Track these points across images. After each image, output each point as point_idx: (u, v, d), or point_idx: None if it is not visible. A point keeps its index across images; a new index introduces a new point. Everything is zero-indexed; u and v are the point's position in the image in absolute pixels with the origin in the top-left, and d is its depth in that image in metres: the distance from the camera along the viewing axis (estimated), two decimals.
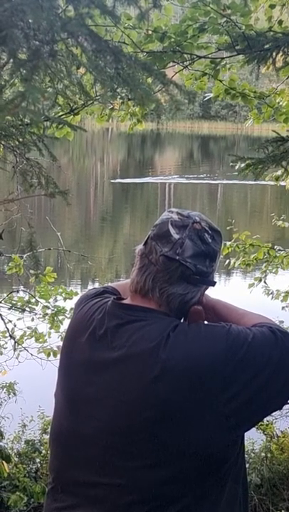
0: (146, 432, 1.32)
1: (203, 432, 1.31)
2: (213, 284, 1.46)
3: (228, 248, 5.87)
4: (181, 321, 1.44)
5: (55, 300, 5.66)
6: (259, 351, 1.36)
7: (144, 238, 1.46)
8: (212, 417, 1.31)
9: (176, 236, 1.40)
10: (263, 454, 5.12)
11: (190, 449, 1.31)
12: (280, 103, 5.15)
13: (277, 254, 6.09)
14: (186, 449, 1.31)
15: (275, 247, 6.16)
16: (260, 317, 1.53)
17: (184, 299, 1.42)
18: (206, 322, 1.47)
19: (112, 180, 24.92)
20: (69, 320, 1.64)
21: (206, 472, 1.34)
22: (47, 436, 5.14)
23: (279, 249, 6.15)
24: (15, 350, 5.38)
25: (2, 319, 5.22)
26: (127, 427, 1.34)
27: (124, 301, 1.48)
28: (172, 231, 1.41)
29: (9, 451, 4.80)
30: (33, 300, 5.53)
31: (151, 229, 1.46)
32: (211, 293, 1.55)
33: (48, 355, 5.31)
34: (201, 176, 26.68)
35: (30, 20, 1.69)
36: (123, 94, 2.60)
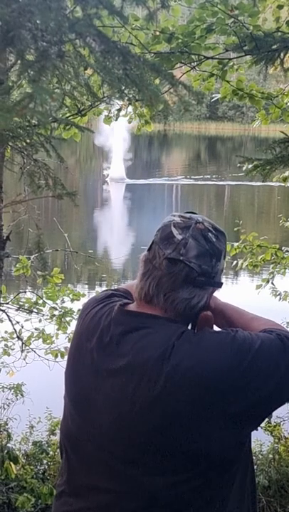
0: (152, 440, 1.32)
1: (208, 439, 1.30)
2: (220, 285, 1.44)
3: (235, 249, 5.85)
4: (189, 326, 1.42)
5: (63, 301, 5.65)
6: (266, 359, 1.35)
7: (149, 244, 1.44)
8: (217, 424, 1.30)
9: (179, 236, 1.38)
10: (270, 456, 5.09)
11: (195, 456, 1.30)
12: (288, 104, 5.13)
13: (285, 256, 6.07)
14: (192, 456, 1.30)
15: (283, 248, 6.14)
16: (269, 322, 1.50)
17: (191, 303, 1.39)
18: (215, 327, 1.45)
19: (119, 182, 24.90)
20: (76, 321, 1.62)
21: (213, 476, 1.33)
22: (54, 438, 5.14)
23: (287, 251, 6.14)
24: (22, 351, 5.38)
25: (10, 320, 5.22)
26: (133, 435, 1.33)
27: (130, 308, 1.46)
28: (175, 232, 1.39)
29: (17, 452, 4.80)
30: (40, 301, 5.53)
31: (154, 234, 1.43)
32: (219, 294, 1.53)
33: (56, 356, 5.31)
34: (208, 176, 26.65)
35: (38, 21, 1.69)
36: (131, 95, 2.59)
